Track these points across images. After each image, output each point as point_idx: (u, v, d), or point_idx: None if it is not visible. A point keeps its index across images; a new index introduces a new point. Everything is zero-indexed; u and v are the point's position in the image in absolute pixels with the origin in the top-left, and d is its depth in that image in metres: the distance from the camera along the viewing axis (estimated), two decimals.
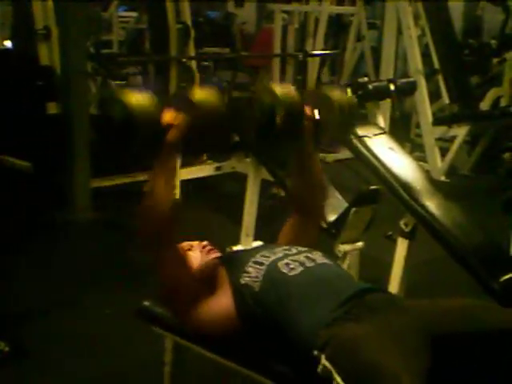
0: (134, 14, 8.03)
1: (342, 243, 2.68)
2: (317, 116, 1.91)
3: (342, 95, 1.98)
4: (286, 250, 1.77)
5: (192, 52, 5.25)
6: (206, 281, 1.75)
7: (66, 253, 3.45)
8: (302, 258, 1.72)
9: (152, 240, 1.69)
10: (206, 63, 6.24)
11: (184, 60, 4.88)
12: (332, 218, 2.69)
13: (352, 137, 2.78)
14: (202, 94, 1.74)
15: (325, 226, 2.62)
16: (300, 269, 1.67)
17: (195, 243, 1.89)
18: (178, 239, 1.79)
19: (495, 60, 5.97)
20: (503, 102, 5.43)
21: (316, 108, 1.92)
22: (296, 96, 1.86)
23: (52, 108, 4.07)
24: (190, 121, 1.69)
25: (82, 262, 3.36)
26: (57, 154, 3.99)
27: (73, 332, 2.68)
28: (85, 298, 2.95)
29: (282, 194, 3.70)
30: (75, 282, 3.12)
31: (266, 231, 2.83)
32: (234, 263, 1.75)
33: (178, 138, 1.68)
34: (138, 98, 1.65)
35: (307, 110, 1.89)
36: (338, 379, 1.40)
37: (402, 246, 2.59)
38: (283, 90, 1.85)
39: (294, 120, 1.84)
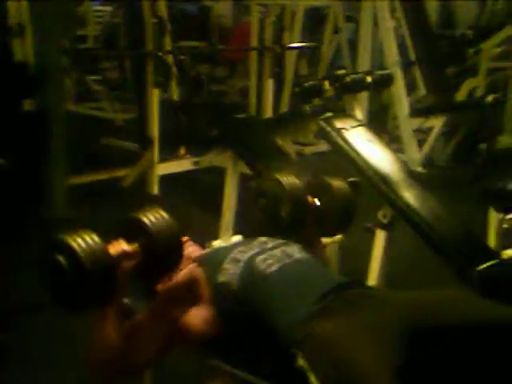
0: (108, 9, 7.96)
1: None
2: (318, 204, 1.95)
3: (342, 184, 2.04)
4: (262, 243, 1.78)
5: (168, 46, 5.22)
6: (185, 290, 1.73)
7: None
8: (279, 253, 1.72)
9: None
10: (182, 57, 6.20)
11: (160, 54, 4.84)
12: None
13: (330, 129, 2.79)
14: (152, 216, 1.63)
15: None
16: (277, 264, 1.67)
17: None
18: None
19: (471, 50, 6.01)
20: (479, 93, 5.48)
21: (317, 197, 1.96)
22: (300, 188, 1.89)
23: (28, 105, 4.03)
24: (142, 247, 1.60)
25: None
26: (33, 150, 3.95)
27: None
28: None
29: None
30: None
31: (246, 225, 2.83)
32: (211, 262, 1.75)
33: (131, 268, 1.59)
34: (84, 240, 1.50)
35: (309, 199, 1.93)
36: (313, 378, 1.40)
37: (380, 238, 2.60)
38: (289, 182, 1.87)
39: (298, 212, 1.87)
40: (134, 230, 1.62)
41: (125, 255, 1.58)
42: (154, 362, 1.72)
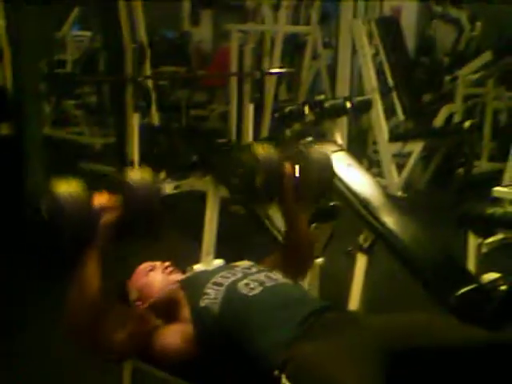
0: (88, 34, 7.97)
1: None
2: (297, 174, 1.94)
3: (321, 153, 2.04)
4: (245, 269, 1.77)
5: (148, 71, 5.23)
6: (165, 310, 1.73)
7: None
8: (261, 277, 1.72)
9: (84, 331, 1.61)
10: (162, 82, 6.21)
11: (140, 80, 4.85)
12: None
13: None
14: (135, 174, 1.71)
15: None
16: (260, 288, 1.67)
17: (157, 264, 1.87)
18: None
19: (447, 77, 6.11)
20: (456, 118, 5.56)
21: (296, 166, 1.95)
22: (276, 157, 1.90)
23: (4, 129, 4.00)
24: (124, 202, 1.64)
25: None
26: (9, 175, 3.90)
27: None
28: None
29: (242, 211, 3.69)
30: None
31: (227, 249, 2.82)
32: (193, 286, 1.74)
33: (114, 220, 1.62)
34: (67, 186, 1.58)
35: (287, 168, 1.92)
36: None
37: (361, 262, 2.60)
38: (264, 151, 1.88)
39: (274, 181, 1.88)
40: (116, 187, 1.67)
41: (107, 207, 1.61)
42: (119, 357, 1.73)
